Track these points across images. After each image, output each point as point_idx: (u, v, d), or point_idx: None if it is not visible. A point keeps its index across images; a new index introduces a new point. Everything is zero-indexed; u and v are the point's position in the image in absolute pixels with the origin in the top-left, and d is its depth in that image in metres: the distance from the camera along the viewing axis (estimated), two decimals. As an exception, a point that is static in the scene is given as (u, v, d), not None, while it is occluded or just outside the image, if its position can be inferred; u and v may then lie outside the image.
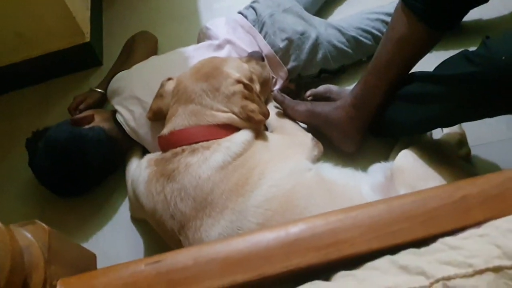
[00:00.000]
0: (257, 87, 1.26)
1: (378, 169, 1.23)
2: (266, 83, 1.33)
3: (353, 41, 1.45)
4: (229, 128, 1.15)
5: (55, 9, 1.47)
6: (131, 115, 1.33)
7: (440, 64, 1.07)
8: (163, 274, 0.48)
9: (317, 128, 1.32)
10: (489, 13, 1.56)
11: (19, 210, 1.43)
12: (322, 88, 1.37)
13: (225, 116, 1.14)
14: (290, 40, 1.40)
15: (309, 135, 1.29)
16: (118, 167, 1.41)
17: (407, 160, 1.13)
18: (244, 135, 1.13)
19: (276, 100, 1.35)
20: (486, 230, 0.46)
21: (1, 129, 1.65)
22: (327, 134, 1.31)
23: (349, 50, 1.45)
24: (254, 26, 1.45)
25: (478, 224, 0.46)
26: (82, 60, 1.67)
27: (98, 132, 1.32)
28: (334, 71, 1.48)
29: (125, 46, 1.66)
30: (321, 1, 1.66)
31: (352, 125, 1.26)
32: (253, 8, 1.50)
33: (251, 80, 1.24)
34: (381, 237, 0.46)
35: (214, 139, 1.11)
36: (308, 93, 1.37)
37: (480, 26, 1.54)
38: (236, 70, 1.21)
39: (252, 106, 1.16)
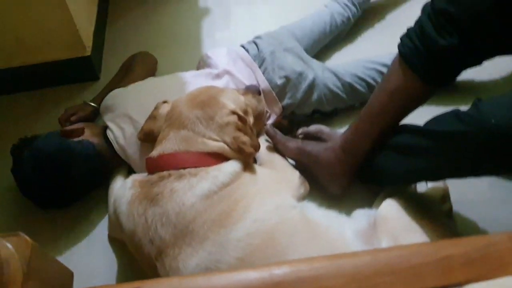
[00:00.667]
0: (251, 119, 1.27)
1: (362, 215, 1.23)
2: (260, 117, 1.35)
3: (348, 87, 1.48)
4: (219, 157, 1.15)
5: (60, 20, 1.48)
6: (122, 133, 1.32)
7: (431, 120, 1.10)
8: (141, 302, 0.48)
9: (305, 166, 1.33)
10: (481, 75, 1.61)
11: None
12: (314, 128, 1.38)
13: (216, 145, 1.15)
14: (288, 79, 1.43)
15: (297, 173, 1.30)
16: (101, 184, 1.40)
17: (391, 210, 1.14)
18: (233, 166, 1.14)
19: (268, 134, 1.36)
20: (467, 292, 0.47)
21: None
22: (315, 174, 1.32)
23: (343, 95, 1.49)
24: (254, 60, 1.48)
25: (458, 285, 0.47)
26: (79, 73, 1.67)
27: (86, 146, 1.31)
28: (327, 113, 1.51)
29: (124, 64, 1.67)
30: (321, 45, 1.70)
31: (340, 168, 1.28)
32: (256, 44, 1.53)
33: (246, 112, 1.25)
34: (364, 288, 0.47)
35: (203, 166, 1.11)
36: (300, 131, 1.39)
37: (471, 87, 1.59)
38: (232, 101, 1.22)
39: (244, 138, 1.17)
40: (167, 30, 1.90)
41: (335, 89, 1.47)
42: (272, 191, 1.16)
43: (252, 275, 0.50)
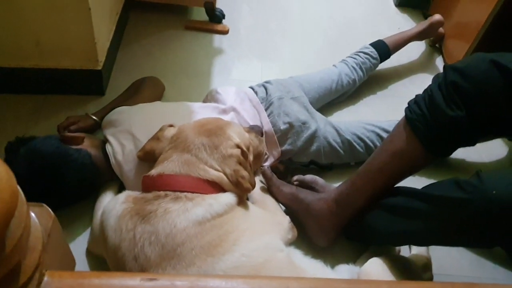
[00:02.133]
0: (251, 157, 1.29)
1: (345, 270, 1.24)
2: (259, 157, 1.37)
3: (347, 144, 1.53)
4: (216, 187, 1.15)
5: (81, 31, 1.51)
6: (121, 149, 1.32)
7: (429, 185, 1.13)
8: (158, 293, 0.47)
9: (296, 213, 1.34)
10: (472, 156, 1.68)
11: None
12: (309, 177, 1.41)
13: (216, 174, 1.16)
14: (291, 125, 1.46)
15: (287, 217, 1.31)
16: (89, 196, 1.38)
17: (375, 268, 1.15)
18: (228, 198, 1.14)
19: (264, 175, 1.37)
20: None
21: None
22: (304, 222, 1.33)
23: (341, 151, 1.53)
24: (262, 103, 1.52)
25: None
26: (87, 85, 1.68)
27: (84, 156, 1.31)
28: (322, 166, 1.54)
29: (132, 84, 1.69)
30: (325, 101, 1.76)
31: (331, 220, 1.29)
32: (265, 88, 1.58)
33: (248, 149, 1.27)
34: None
35: (200, 193, 1.12)
36: (295, 177, 1.41)
37: (461, 166, 1.66)
38: (238, 136, 1.24)
39: (244, 172, 1.18)
40: (178, 61, 1.94)
41: (334, 144, 1.51)
42: (263, 230, 1.16)
43: (269, 283, 0.50)
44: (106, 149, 1.35)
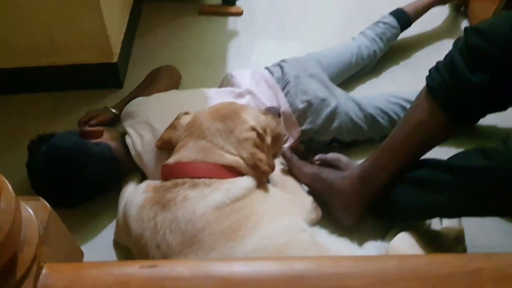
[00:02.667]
0: (268, 139, 1.27)
1: (373, 247, 1.21)
2: (277, 139, 1.34)
3: (370, 118, 1.48)
4: (234, 171, 1.14)
5: (93, 24, 1.51)
6: (140, 140, 1.32)
7: (454, 155, 1.08)
8: (156, 280, 0.45)
9: (319, 193, 1.31)
10: (503, 122, 1.60)
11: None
12: (331, 155, 1.37)
13: (232, 159, 1.14)
14: (309, 103, 1.43)
15: (310, 198, 1.28)
16: (112, 189, 1.38)
17: (404, 243, 1.11)
18: (246, 182, 1.13)
19: (284, 156, 1.35)
20: (496, 307, 0.45)
21: (8, 126, 1.64)
22: (328, 202, 1.30)
23: (364, 126, 1.48)
24: (278, 83, 1.49)
25: (488, 300, 0.45)
26: (104, 79, 1.69)
27: (103, 149, 1.31)
28: (346, 143, 1.50)
29: (149, 75, 1.69)
30: (346, 76, 1.70)
31: (355, 198, 1.25)
32: (280, 67, 1.55)
33: (265, 131, 1.25)
34: (388, 291, 0.45)
35: (217, 178, 1.10)
36: (317, 157, 1.38)
37: (494, 132, 1.58)
38: (253, 118, 1.22)
39: (261, 155, 1.16)
40: (193, 48, 1.93)
41: (356, 119, 1.46)
42: (284, 212, 1.15)
43: (272, 265, 0.48)
44: (126, 140, 1.35)
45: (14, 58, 1.60)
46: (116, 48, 1.65)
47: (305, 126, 1.44)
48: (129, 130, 1.36)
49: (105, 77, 1.69)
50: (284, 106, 1.44)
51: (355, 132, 1.48)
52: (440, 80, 1.05)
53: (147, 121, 1.34)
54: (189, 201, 1.05)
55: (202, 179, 1.09)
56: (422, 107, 1.10)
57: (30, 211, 0.51)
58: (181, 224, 1.03)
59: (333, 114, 1.44)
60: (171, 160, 1.16)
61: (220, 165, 1.13)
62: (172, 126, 1.26)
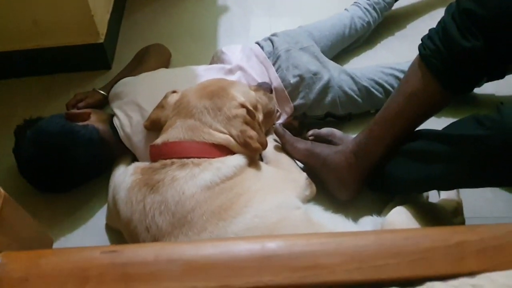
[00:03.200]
0: (260, 116, 1.24)
1: (368, 222, 1.19)
2: (269, 115, 1.31)
3: (364, 91, 1.44)
4: (224, 150, 1.12)
5: (76, 4, 1.47)
6: (128, 121, 1.29)
7: (449, 125, 1.05)
8: (118, 266, 0.43)
9: (313, 169, 1.28)
10: (503, 90, 1.56)
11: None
12: (325, 130, 1.34)
13: (222, 137, 1.12)
14: (301, 78, 1.39)
15: (304, 174, 1.25)
16: (103, 172, 1.36)
17: (400, 217, 1.09)
18: (237, 160, 1.10)
19: (276, 133, 1.32)
20: (480, 281, 0.42)
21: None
22: (323, 177, 1.27)
23: (359, 99, 1.44)
24: (269, 58, 1.45)
25: (471, 274, 0.42)
26: (91, 60, 1.65)
27: (91, 131, 1.28)
28: (340, 117, 1.46)
29: (137, 54, 1.65)
30: (339, 48, 1.66)
31: (350, 173, 1.23)
32: (271, 41, 1.50)
33: (255, 108, 1.22)
34: (365, 269, 0.42)
35: (206, 157, 1.08)
36: (310, 132, 1.35)
37: (492, 101, 1.54)
38: (242, 94, 1.19)
39: (251, 132, 1.13)
40: (183, 25, 1.88)
41: (350, 92, 1.42)
42: (276, 189, 1.12)
43: (242, 245, 0.46)
44: (114, 122, 1.32)
45: (-1, 42, 1.56)
46: (102, 28, 1.61)
47: (298, 101, 1.40)
48: (117, 111, 1.33)
49: (93, 58, 1.65)
50: (276, 82, 1.40)
51: (350, 105, 1.45)
52: (433, 48, 1.01)
53: (135, 101, 1.31)
54: (178, 181, 1.03)
55: (191, 159, 1.07)
56: (415, 76, 1.06)
57: (-18, 197, 0.48)
58: (171, 206, 1.01)
59: (326, 88, 1.40)
60: (159, 140, 1.13)
61: (209, 143, 1.10)
62: (160, 106, 1.23)
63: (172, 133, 1.12)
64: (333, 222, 1.14)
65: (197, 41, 1.81)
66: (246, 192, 1.05)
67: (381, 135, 1.15)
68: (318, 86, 1.39)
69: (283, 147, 1.32)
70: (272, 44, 1.48)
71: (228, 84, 1.21)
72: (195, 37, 1.83)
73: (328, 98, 1.41)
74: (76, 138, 1.26)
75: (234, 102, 1.15)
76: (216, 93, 1.16)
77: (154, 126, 1.22)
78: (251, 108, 1.18)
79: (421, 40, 1.06)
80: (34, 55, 1.59)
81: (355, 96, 1.43)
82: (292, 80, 1.39)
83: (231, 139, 1.12)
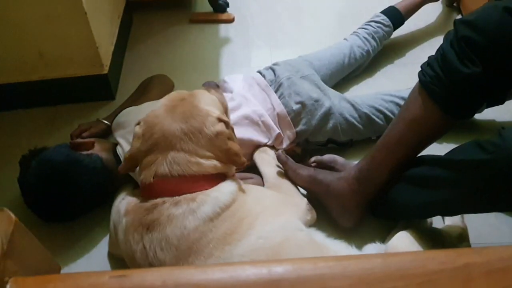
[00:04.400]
0: (229, 119, 1.21)
1: (372, 249, 1.18)
2: (227, 111, 1.27)
3: (365, 118, 1.45)
4: (214, 178, 1.07)
5: (81, 37, 1.50)
6: None
7: (451, 150, 1.05)
8: (126, 291, 0.43)
9: (316, 196, 1.28)
10: (503, 115, 1.57)
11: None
12: (327, 157, 1.35)
13: (210, 165, 1.05)
14: (303, 104, 1.41)
15: (305, 200, 1.25)
16: (106, 201, 1.36)
17: (402, 242, 1.08)
18: (230, 185, 1.07)
19: (279, 160, 1.32)
20: (488, 303, 0.42)
21: (2, 143, 1.63)
22: (326, 204, 1.27)
23: (360, 126, 1.45)
24: (270, 85, 1.47)
25: (478, 296, 0.42)
26: (96, 91, 1.68)
27: (94, 160, 1.29)
28: (342, 143, 1.47)
29: (141, 85, 1.67)
30: (339, 77, 1.68)
31: (353, 199, 1.23)
32: (272, 70, 1.53)
33: (226, 112, 1.20)
34: (372, 292, 0.42)
35: (199, 191, 1.03)
36: (313, 159, 1.35)
37: (493, 126, 1.55)
38: (213, 105, 1.14)
39: (235, 147, 1.09)
40: (186, 56, 1.91)
41: (351, 119, 1.44)
42: (278, 212, 1.12)
43: (249, 270, 0.45)
44: (117, 151, 1.33)
45: (4, 74, 1.59)
46: (106, 60, 1.64)
47: (300, 127, 1.42)
48: (120, 140, 1.34)
49: (97, 89, 1.67)
50: (279, 108, 1.42)
51: (351, 132, 1.46)
52: (432, 75, 1.02)
53: None
54: (176, 219, 1.00)
55: (183, 196, 1.02)
56: (416, 103, 1.07)
57: (-8, 224, 0.49)
58: (173, 241, 0.98)
59: (327, 114, 1.42)
60: (144, 178, 1.06)
61: (200, 176, 1.04)
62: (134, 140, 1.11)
63: (158, 170, 1.04)
64: (337, 246, 1.13)
65: (200, 72, 1.84)
66: (248, 215, 1.04)
67: (383, 162, 1.16)
68: (320, 112, 1.41)
69: (286, 174, 1.32)
70: (274, 72, 1.51)
71: (194, 98, 1.13)
72: (198, 68, 1.86)
73: (330, 124, 1.42)
74: (80, 167, 1.26)
75: (211, 119, 1.07)
76: (189, 113, 1.07)
77: (132, 167, 1.13)
78: (226, 119, 1.12)
79: (421, 67, 1.08)
80: (39, 86, 1.62)
81: (356, 123, 1.45)
82: (295, 107, 1.40)
83: (218, 163, 1.07)
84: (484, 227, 1.30)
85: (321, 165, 1.34)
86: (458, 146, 1.04)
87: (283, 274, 0.44)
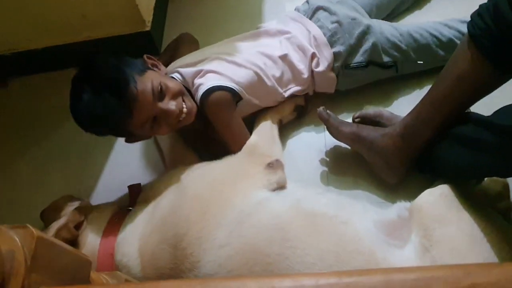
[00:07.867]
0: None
1: (395, 207, 1.15)
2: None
3: (407, 36, 1.37)
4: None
5: (120, -5, 1.50)
6: None
7: (499, 111, 0.98)
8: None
9: (360, 152, 1.26)
10: None
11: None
12: (372, 110, 1.31)
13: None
14: (340, 23, 1.35)
15: (263, 161, 1.22)
16: None
17: (427, 199, 1.04)
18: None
19: (321, 117, 1.29)
20: (492, 330, 0.40)
21: (56, 103, 1.68)
22: (370, 161, 1.26)
23: (402, 45, 1.36)
24: (304, 15, 1.43)
25: (484, 320, 0.40)
26: (140, 48, 1.68)
27: None
28: (384, 65, 1.38)
29: (168, 47, 1.61)
30: (383, 13, 1.57)
31: (397, 156, 1.20)
32: (307, 2, 1.48)
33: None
34: (372, 312, 0.42)
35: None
36: (357, 114, 1.31)
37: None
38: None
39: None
40: (230, 5, 1.87)
41: (392, 38, 1.36)
42: (223, 203, 1.08)
43: (250, 285, 0.46)
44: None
45: (52, 35, 1.63)
46: (148, 16, 1.63)
47: (338, 48, 1.35)
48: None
49: (141, 46, 1.68)
50: (313, 29, 1.37)
51: (393, 51, 1.37)
52: (483, 27, 0.94)
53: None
54: None
55: None
56: (465, 57, 1.00)
57: (17, 240, 0.52)
58: None
59: (365, 33, 1.35)
60: None
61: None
62: None
63: None
64: (332, 208, 1.09)
65: (243, 21, 1.79)
66: (188, 229, 1.03)
67: (429, 118, 1.11)
68: (358, 31, 1.34)
69: (328, 131, 1.30)
70: (308, 3, 1.47)
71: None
72: (241, 17, 1.81)
73: (369, 42, 1.35)
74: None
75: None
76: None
77: None
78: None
79: (470, 17, 0.99)
80: (86, 47, 1.65)
81: (398, 42, 1.36)
82: (331, 26, 1.35)
83: None
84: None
85: (366, 120, 1.30)
86: (506, 107, 0.96)
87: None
